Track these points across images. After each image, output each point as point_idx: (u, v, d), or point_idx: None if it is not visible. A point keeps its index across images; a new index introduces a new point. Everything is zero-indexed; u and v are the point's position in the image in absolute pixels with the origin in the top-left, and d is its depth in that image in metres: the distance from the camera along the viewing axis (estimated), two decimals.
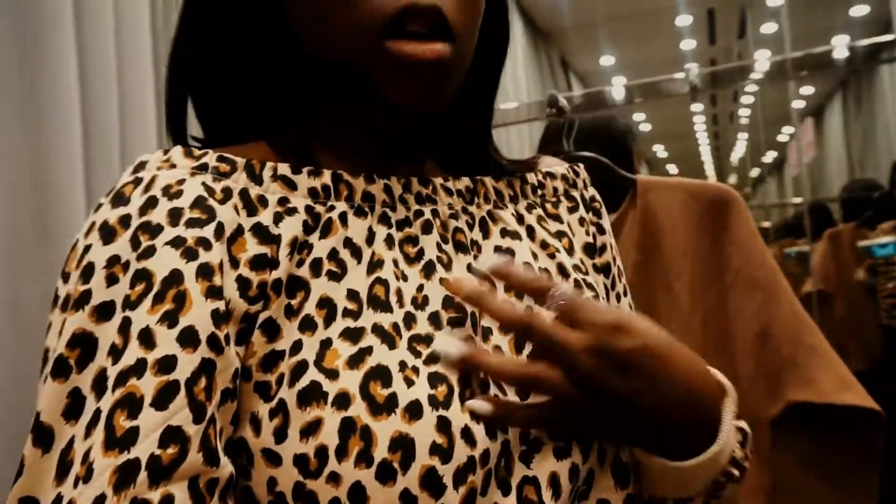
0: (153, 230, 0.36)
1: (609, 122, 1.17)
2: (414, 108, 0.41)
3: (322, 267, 0.39)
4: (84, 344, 0.34)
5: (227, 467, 0.34)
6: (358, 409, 0.35)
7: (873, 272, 2.55)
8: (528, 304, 0.43)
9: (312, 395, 0.35)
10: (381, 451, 0.34)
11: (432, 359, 0.38)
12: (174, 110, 0.46)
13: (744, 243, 0.99)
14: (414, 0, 0.37)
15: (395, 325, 0.39)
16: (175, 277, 0.35)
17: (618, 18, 4.31)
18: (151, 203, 0.37)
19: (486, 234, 0.46)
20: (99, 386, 0.33)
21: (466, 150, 0.50)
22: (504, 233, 0.47)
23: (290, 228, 0.39)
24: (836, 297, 2.71)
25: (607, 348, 0.37)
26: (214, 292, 0.35)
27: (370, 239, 0.42)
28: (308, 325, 0.38)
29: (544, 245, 0.48)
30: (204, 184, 0.38)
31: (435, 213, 0.45)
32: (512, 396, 0.40)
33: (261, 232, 0.39)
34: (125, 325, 0.34)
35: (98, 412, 0.33)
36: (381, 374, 0.36)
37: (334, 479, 0.34)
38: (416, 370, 0.37)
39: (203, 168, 0.39)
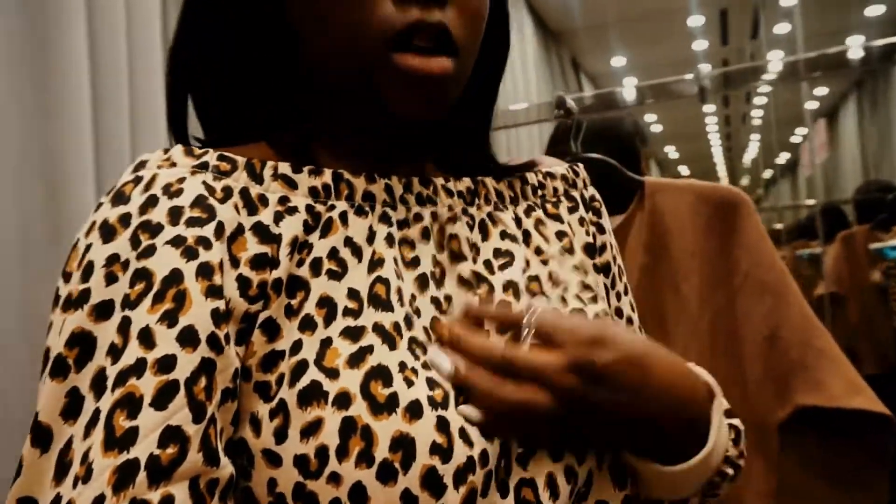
0: (153, 229, 0.36)
1: (616, 123, 1.17)
2: (415, 117, 0.42)
3: (322, 266, 0.39)
4: (83, 343, 0.34)
5: (227, 468, 0.34)
6: (359, 409, 0.35)
7: (889, 275, 2.52)
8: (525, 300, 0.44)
9: (313, 394, 0.35)
10: (381, 451, 0.34)
11: (428, 365, 0.39)
12: (175, 110, 0.46)
13: (752, 246, 0.98)
14: (421, 17, 0.39)
15: (396, 325, 0.39)
16: (175, 277, 0.35)
17: (629, 19, 4.29)
18: (152, 202, 0.37)
19: (485, 235, 0.46)
20: (98, 385, 0.33)
21: (466, 151, 0.50)
22: (504, 235, 0.47)
23: (291, 228, 0.39)
24: (850, 300, 2.68)
25: (586, 364, 0.38)
26: (214, 291, 0.35)
27: (371, 238, 0.42)
28: (308, 325, 0.38)
29: (538, 251, 0.48)
30: (204, 182, 0.38)
31: (434, 216, 0.45)
32: None
33: (261, 231, 0.39)
34: (125, 324, 0.34)
35: (97, 412, 0.33)
36: (381, 374, 0.36)
37: (335, 479, 0.34)
38: (415, 371, 0.37)
39: (204, 167, 0.39)
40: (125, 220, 0.36)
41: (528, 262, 0.47)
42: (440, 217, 0.45)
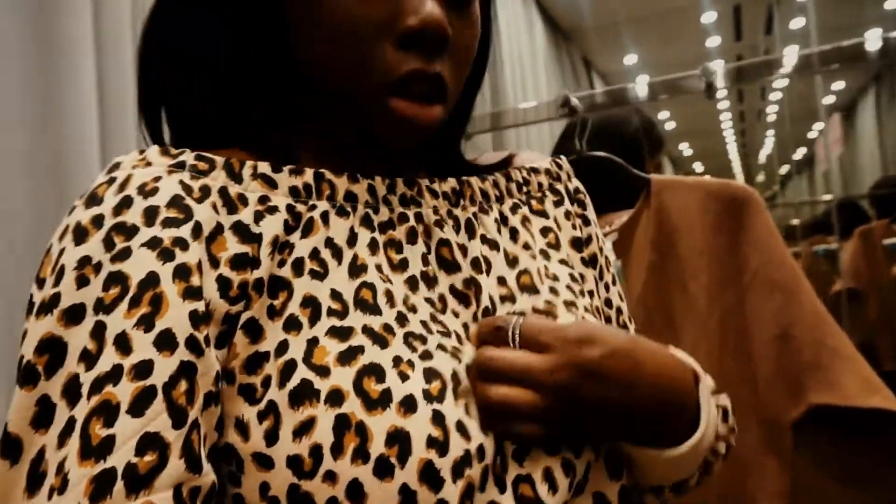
0: (128, 231, 0.35)
1: (621, 121, 1.16)
2: (399, 147, 0.44)
3: (304, 266, 0.39)
4: (53, 349, 0.33)
5: (209, 475, 0.33)
6: (352, 406, 0.34)
7: None
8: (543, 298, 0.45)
9: (304, 393, 0.35)
10: (377, 447, 0.34)
11: (427, 356, 0.38)
12: (148, 111, 0.45)
13: (762, 243, 0.97)
14: (422, 66, 0.40)
15: (387, 326, 0.39)
16: (151, 280, 0.34)
17: (640, 17, 4.25)
18: (126, 203, 0.36)
19: (471, 235, 0.46)
20: (70, 393, 0.32)
21: (444, 151, 0.51)
22: (484, 240, 0.47)
23: (271, 227, 0.39)
24: (868, 296, 2.64)
25: (577, 361, 0.38)
26: (192, 293, 0.35)
27: (351, 240, 0.41)
28: (293, 325, 0.37)
29: (527, 246, 0.48)
30: (181, 182, 0.38)
31: (419, 217, 0.44)
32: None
33: (241, 230, 0.38)
34: (99, 329, 0.33)
35: (72, 420, 0.32)
36: (374, 371, 0.36)
37: (331, 477, 0.33)
38: (411, 364, 0.37)
39: (180, 166, 0.39)
40: (98, 221, 0.35)
41: (516, 259, 0.47)
42: (426, 218, 0.45)
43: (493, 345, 0.40)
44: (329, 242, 0.40)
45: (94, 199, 0.36)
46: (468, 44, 0.43)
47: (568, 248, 0.51)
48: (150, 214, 0.36)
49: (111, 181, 0.37)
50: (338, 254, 0.40)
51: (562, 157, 0.55)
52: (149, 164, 0.38)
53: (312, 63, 0.42)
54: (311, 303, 0.38)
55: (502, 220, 0.48)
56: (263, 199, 0.40)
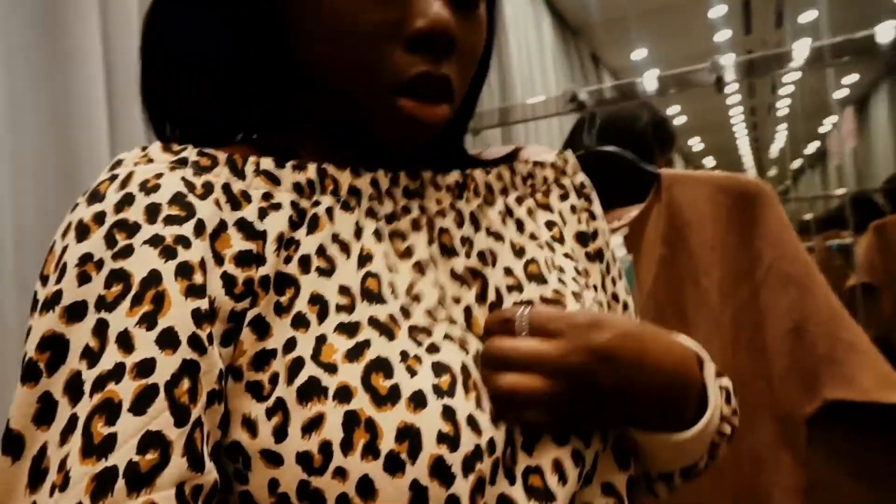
0: (130, 228, 0.35)
1: (629, 116, 1.15)
2: (404, 147, 0.44)
3: (311, 263, 0.39)
4: (54, 346, 0.33)
5: (211, 473, 0.33)
6: (361, 402, 0.34)
7: None
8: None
9: (312, 390, 0.35)
10: (387, 443, 0.34)
11: (434, 349, 0.38)
12: (151, 110, 0.45)
13: (775, 237, 0.96)
14: (430, 69, 0.40)
15: (392, 316, 0.39)
16: (153, 278, 0.34)
17: (649, 11, 4.23)
18: (128, 200, 0.36)
19: (476, 227, 0.46)
20: (72, 390, 0.32)
21: (448, 147, 0.50)
22: (488, 232, 0.46)
23: (276, 224, 0.39)
24: (883, 291, 2.61)
25: (589, 345, 0.38)
26: (195, 291, 0.35)
27: (358, 233, 0.41)
28: (301, 322, 0.37)
29: (533, 237, 0.48)
30: (184, 178, 0.38)
31: (422, 209, 0.44)
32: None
33: (245, 227, 0.38)
34: (101, 327, 0.33)
35: (75, 418, 0.32)
36: (381, 366, 0.36)
37: (341, 473, 0.33)
38: (418, 359, 0.37)
39: (182, 163, 0.38)
40: (99, 218, 0.35)
41: (523, 249, 0.47)
42: (428, 211, 0.45)
43: (500, 336, 0.40)
44: (335, 238, 0.40)
45: (95, 196, 0.37)
46: (475, 45, 0.43)
47: (572, 242, 0.51)
48: (152, 211, 0.36)
49: (113, 178, 0.37)
50: (345, 248, 0.40)
51: (568, 151, 0.55)
52: (151, 160, 0.38)
53: (313, 63, 0.41)
54: (318, 300, 0.38)
55: (507, 211, 0.48)
56: (267, 196, 0.39)
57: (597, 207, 0.54)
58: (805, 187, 7.63)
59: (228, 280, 0.36)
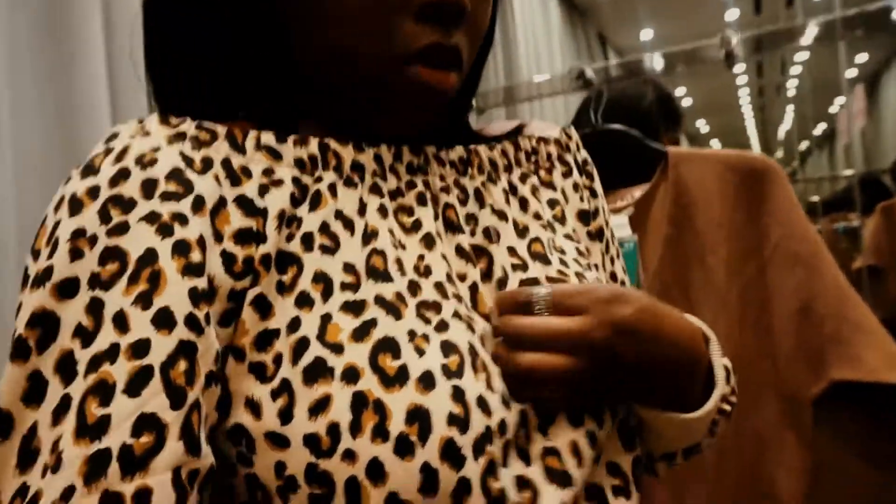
0: (126, 204, 0.34)
1: (634, 94, 1.13)
2: (416, 116, 0.43)
3: (314, 241, 0.38)
4: (45, 323, 0.32)
5: (208, 457, 0.32)
6: (368, 383, 0.34)
7: None
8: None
9: (318, 371, 0.34)
10: (397, 425, 0.33)
11: (442, 326, 0.37)
12: (158, 84, 0.44)
13: (783, 216, 0.95)
14: (441, 39, 0.39)
15: (399, 294, 0.38)
16: (150, 256, 0.33)
17: None
18: (123, 174, 0.35)
19: (481, 204, 0.45)
20: (64, 369, 0.31)
21: (452, 122, 0.49)
22: (492, 210, 0.46)
23: (277, 201, 0.38)
24: (889, 273, 2.59)
25: (612, 319, 0.38)
26: (192, 270, 0.34)
27: (362, 210, 0.40)
28: (305, 301, 0.36)
29: (537, 216, 0.47)
30: (182, 153, 0.36)
31: (427, 184, 0.44)
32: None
33: (245, 204, 0.37)
34: (96, 306, 0.32)
35: (68, 398, 0.31)
36: (389, 346, 0.35)
37: (350, 456, 0.32)
38: (426, 338, 0.36)
39: (181, 136, 0.37)
40: (93, 192, 0.34)
41: (526, 228, 0.46)
42: (433, 186, 0.44)
43: (517, 314, 0.39)
44: (339, 214, 0.39)
45: (90, 170, 0.35)
46: (482, 15, 0.43)
47: (574, 221, 0.50)
48: (149, 187, 0.34)
49: (108, 151, 0.36)
50: (349, 225, 0.39)
51: (571, 127, 0.54)
52: (147, 133, 0.37)
53: (319, 38, 0.40)
54: (323, 279, 0.37)
55: (511, 189, 0.48)
56: (268, 172, 0.38)
57: (597, 185, 0.53)
58: (812, 169, 7.58)
59: (228, 258, 0.35)
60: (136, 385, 0.31)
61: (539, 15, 3.18)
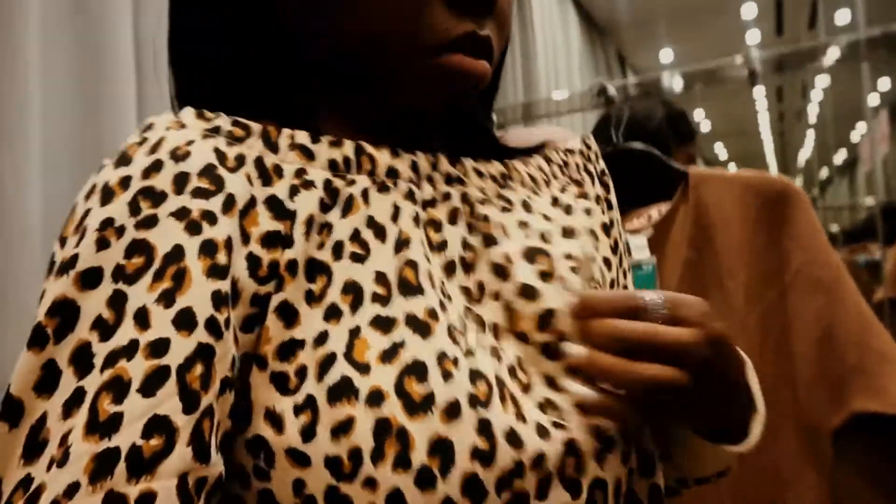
0: (156, 197, 0.33)
1: (644, 114, 1.12)
2: (452, 102, 0.42)
3: (344, 249, 0.37)
4: (65, 312, 0.31)
5: (217, 466, 0.31)
6: (393, 408, 0.32)
7: None
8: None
9: (343, 390, 0.33)
10: (419, 455, 0.32)
11: (469, 353, 0.36)
12: (181, 82, 0.44)
13: (805, 240, 0.93)
14: (474, 29, 0.39)
15: (432, 311, 0.36)
16: (177, 253, 0.32)
17: (677, 10, 4.17)
18: (156, 167, 0.34)
19: (529, 212, 0.44)
20: (80, 362, 0.31)
21: (472, 134, 0.48)
22: (544, 217, 0.45)
23: (306, 205, 0.37)
24: None
25: (713, 335, 0.37)
26: (217, 272, 0.33)
27: (395, 216, 0.39)
28: (333, 314, 0.35)
29: (576, 221, 0.47)
30: (216, 149, 0.36)
31: (464, 196, 0.42)
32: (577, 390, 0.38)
33: (275, 206, 0.36)
34: (119, 299, 0.31)
35: (81, 391, 0.30)
36: (416, 370, 0.34)
37: (371, 484, 0.31)
38: (455, 362, 0.35)
39: (215, 131, 0.37)
40: (125, 182, 0.33)
41: (573, 230, 0.45)
42: (471, 198, 0.42)
43: (626, 319, 0.37)
44: (371, 221, 0.38)
45: (123, 160, 0.35)
46: (508, 10, 0.43)
47: (599, 232, 0.49)
48: (181, 181, 0.34)
49: (143, 142, 0.35)
50: (381, 232, 0.38)
51: (590, 136, 0.54)
52: (183, 126, 0.36)
53: (346, 32, 0.40)
54: (352, 289, 0.36)
55: (553, 201, 0.47)
56: (300, 172, 0.37)
57: (613, 196, 0.53)
58: (832, 198, 7.50)
59: (253, 261, 0.35)
60: (151, 385, 0.30)
61: (559, 32, 3.19)
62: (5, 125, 0.80)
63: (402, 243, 0.38)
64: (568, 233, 0.44)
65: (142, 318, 0.31)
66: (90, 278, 0.32)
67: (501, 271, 0.40)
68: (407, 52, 0.39)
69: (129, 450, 0.29)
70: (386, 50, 0.39)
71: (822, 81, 4.65)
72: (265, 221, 0.35)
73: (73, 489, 0.28)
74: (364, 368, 0.33)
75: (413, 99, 0.42)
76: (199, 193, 0.34)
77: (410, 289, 0.37)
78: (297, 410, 0.33)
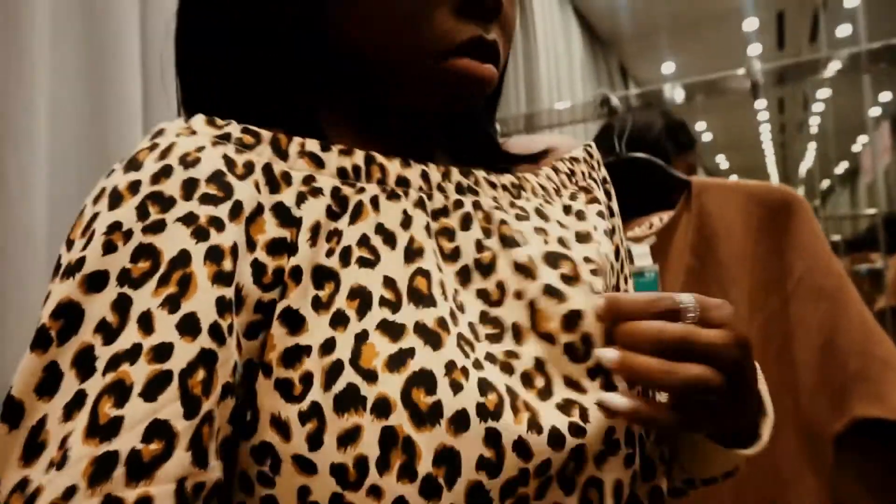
0: (165, 202, 0.33)
1: (643, 125, 1.13)
2: (458, 106, 0.42)
3: (352, 255, 0.37)
4: (69, 315, 0.31)
5: (215, 471, 0.31)
6: (400, 418, 0.32)
7: None
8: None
9: (350, 399, 0.33)
10: (424, 466, 0.32)
11: (478, 364, 0.36)
12: (189, 88, 0.44)
13: (808, 249, 0.93)
14: (481, 33, 0.40)
15: (442, 321, 0.36)
16: (183, 258, 0.32)
17: (679, 24, 4.20)
18: (165, 172, 0.34)
19: (545, 220, 0.44)
20: (82, 365, 0.31)
21: (474, 139, 0.49)
22: (560, 225, 0.45)
23: (313, 212, 0.37)
24: None
25: (741, 337, 0.38)
26: (222, 278, 0.33)
27: (406, 223, 0.39)
28: (340, 321, 0.35)
29: (595, 228, 0.47)
30: (225, 156, 0.36)
31: (477, 205, 0.42)
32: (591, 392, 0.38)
33: (282, 213, 0.36)
34: (123, 303, 0.31)
35: (83, 394, 0.30)
36: (424, 379, 0.33)
37: (375, 493, 0.32)
38: (465, 372, 0.34)
39: (225, 138, 0.37)
40: (134, 187, 0.34)
41: (589, 235, 0.46)
42: (484, 206, 0.42)
43: (661, 320, 0.37)
44: (380, 228, 0.38)
45: (133, 164, 0.35)
46: (513, 16, 0.43)
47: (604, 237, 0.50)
48: (189, 187, 0.34)
49: (153, 147, 0.36)
50: (391, 238, 0.38)
51: (592, 144, 0.55)
52: (193, 132, 0.37)
53: (351, 37, 0.40)
54: (359, 293, 0.36)
55: (565, 209, 0.47)
56: (308, 180, 0.38)
57: (615, 204, 0.53)
58: (833, 209, 7.49)
59: (258, 268, 0.35)
60: (153, 389, 0.30)
61: (562, 44, 3.21)
62: (11, 126, 0.79)
63: (413, 252, 0.38)
64: (583, 238, 0.44)
65: (146, 323, 0.31)
66: (96, 281, 0.32)
67: (526, 271, 0.40)
68: (412, 55, 0.39)
69: (129, 454, 0.29)
70: (390, 53, 0.40)
71: (824, 93, 4.67)
72: (271, 228, 0.36)
73: (71, 492, 0.28)
74: (371, 376, 0.33)
75: (414, 100, 0.42)
76: (207, 200, 0.34)
77: (421, 298, 0.36)
78: (303, 418, 0.33)
